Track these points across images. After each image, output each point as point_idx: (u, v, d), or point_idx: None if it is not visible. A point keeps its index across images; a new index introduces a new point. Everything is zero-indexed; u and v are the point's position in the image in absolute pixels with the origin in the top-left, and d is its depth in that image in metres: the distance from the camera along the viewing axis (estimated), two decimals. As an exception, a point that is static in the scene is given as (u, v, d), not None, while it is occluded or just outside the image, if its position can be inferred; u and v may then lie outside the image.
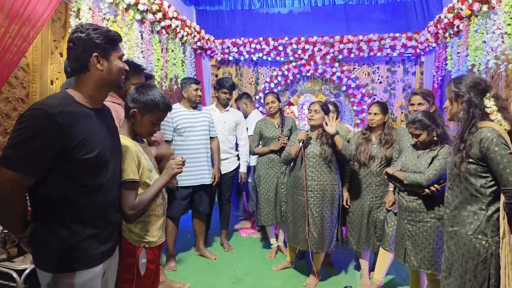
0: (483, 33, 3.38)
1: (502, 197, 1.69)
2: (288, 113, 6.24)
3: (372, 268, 3.25)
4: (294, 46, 6.13)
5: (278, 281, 3.27)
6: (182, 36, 4.52)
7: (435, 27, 4.45)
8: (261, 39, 6.20)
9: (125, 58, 3.24)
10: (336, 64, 6.12)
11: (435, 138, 2.52)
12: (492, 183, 1.73)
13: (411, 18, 5.71)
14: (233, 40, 6.28)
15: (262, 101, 6.20)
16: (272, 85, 6.35)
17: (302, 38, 6.11)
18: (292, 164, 3.34)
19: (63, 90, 1.44)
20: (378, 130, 3.17)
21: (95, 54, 1.38)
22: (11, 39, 2.13)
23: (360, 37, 5.90)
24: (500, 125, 1.75)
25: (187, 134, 3.43)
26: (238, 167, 4.02)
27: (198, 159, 3.46)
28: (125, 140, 1.71)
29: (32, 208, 1.36)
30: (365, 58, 6.06)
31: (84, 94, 1.41)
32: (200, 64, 5.45)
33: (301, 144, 3.10)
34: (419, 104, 2.89)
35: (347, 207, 3.21)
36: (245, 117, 4.27)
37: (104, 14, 3.04)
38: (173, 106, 3.38)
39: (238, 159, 4.03)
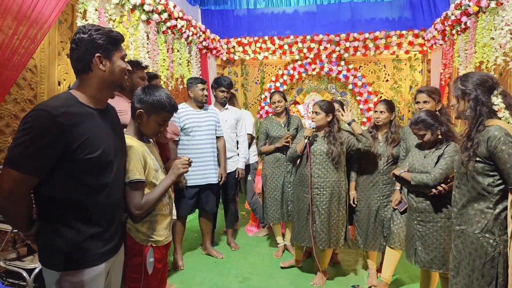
0: (491, 30, 3.34)
1: (510, 196, 1.67)
2: (294, 112, 6.22)
3: (379, 268, 3.23)
4: (300, 44, 6.11)
5: (285, 280, 3.27)
6: (188, 36, 4.53)
7: (442, 24, 4.41)
8: (266, 38, 6.20)
9: (131, 58, 3.27)
10: (342, 63, 6.09)
11: (440, 137, 2.50)
12: (500, 181, 1.72)
13: (417, 15, 5.67)
14: (238, 39, 6.29)
15: (267, 100, 6.21)
16: (277, 84, 6.35)
17: (308, 37, 6.09)
18: (298, 162, 3.33)
19: (67, 91, 1.46)
20: (384, 129, 3.15)
21: (97, 54, 1.39)
22: (19, 41, 2.16)
23: (366, 35, 5.87)
24: (508, 123, 1.73)
25: (194, 133, 3.44)
26: None
27: (205, 158, 3.47)
28: (132, 140, 1.72)
29: (36, 207, 1.38)
30: (371, 56, 6.02)
31: (87, 95, 1.42)
32: (205, 64, 5.47)
33: (306, 140, 3.09)
34: (425, 102, 2.86)
35: (354, 206, 3.20)
36: None
37: (110, 15, 3.07)
38: (180, 105, 3.40)
39: None
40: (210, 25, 5.89)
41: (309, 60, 6.18)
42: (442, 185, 2.41)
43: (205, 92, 3.51)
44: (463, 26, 3.89)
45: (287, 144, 3.51)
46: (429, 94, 2.86)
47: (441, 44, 4.81)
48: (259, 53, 6.29)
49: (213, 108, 3.79)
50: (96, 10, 2.87)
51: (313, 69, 6.19)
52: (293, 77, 6.33)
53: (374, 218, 3.08)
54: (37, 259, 2.40)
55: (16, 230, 2.27)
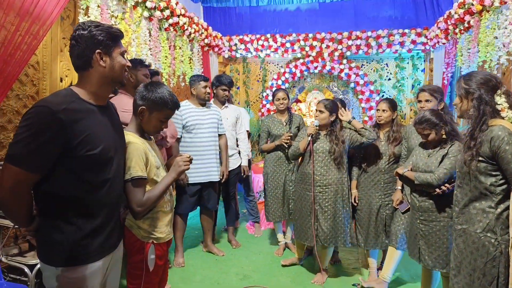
0: (494, 29, 3.33)
1: (512, 196, 1.67)
2: (295, 110, 6.22)
3: (380, 266, 3.23)
4: (302, 42, 6.10)
5: (286, 278, 3.28)
6: (190, 33, 4.53)
7: (445, 23, 4.40)
8: (268, 36, 6.19)
9: (133, 55, 3.27)
10: (344, 61, 6.08)
11: (444, 136, 2.49)
12: (502, 181, 1.71)
13: (420, 13, 5.64)
14: (241, 37, 6.28)
15: (269, 98, 6.20)
16: (279, 82, 6.34)
17: (310, 35, 6.08)
18: (299, 160, 3.33)
19: (68, 87, 1.46)
20: (386, 127, 3.15)
21: (98, 51, 1.39)
22: (21, 37, 2.16)
23: (369, 33, 5.85)
24: (511, 122, 1.72)
25: (196, 131, 3.44)
26: None
27: (207, 156, 3.47)
28: (133, 137, 1.72)
29: (37, 203, 1.38)
30: (374, 55, 6.01)
31: (88, 91, 1.43)
32: (207, 61, 5.46)
33: (309, 138, 3.09)
34: (427, 100, 2.85)
35: (355, 204, 3.20)
36: None
37: (113, 12, 3.06)
38: (182, 103, 3.40)
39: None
40: (212, 22, 5.88)
41: (311, 58, 6.16)
42: (446, 184, 2.40)
43: (208, 90, 3.51)
44: (466, 25, 3.87)
45: (287, 142, 3.50)
46: (431, 93, 2.86)
47: (444, 43, 4.79)
48: (261, 51, 6.28)
49: (215, 106, 3.79)
50: (98, 6, 2.87)
51: (315, 67, 6.18)
52: (295, 75, 6.32)
53: (375, 217, 3.08)
54: (39, 255, 2.42)
55: (17, 226, 2.28)
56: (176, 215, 3.46)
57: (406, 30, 5.71)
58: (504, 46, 3.12)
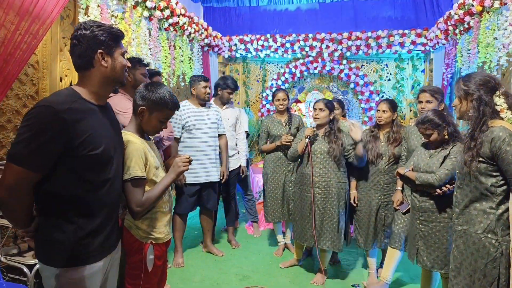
0: (494, 30, 3.33)
1: (512, 197, 1.67)
2: (295, 111, 6.22)
3: (380, 267, 3.23)
4: (302, 43, 6.10)
5: (285, 279, 3.28)
6: (190, 33, 4.53)
7: (445, 23, 4.40)
8: (268, 36, 6.19)
9: (133, 55, 3.27)
10: (344, 61, 6.08)
11: (446, 137, 2.49)
12: (503, 182, 1.71)
13: (420, 14, 5.65)
14: (241, 37, 6.28)
15: (269, 98, 6.20)
16: (279, 82, 6.34)
17: (310, 35, 6.08)
18: (298, 161, 3.33)
19: (69, 87, 1.46)
20: (386, 128, 3.15)
21: (100, 50, 1.40)
22: (21, 36, 2.16)
23: (369, 34, 5.85)
24: (511, 123, 1.72)
25: (196, 131, 3.44)
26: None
27: (207, 156, 3.47)
28: (133, 137, 1.72)
29: (37, 203, 1.38)
30: (374, 55, 6.01)
31: (89, 91, 1.43)
32: (207, 61, 5.46)
33: (307, 140, 3.09)
34: (427, 101, 2.85)
35: (355, 205, 3.20)
36: None
37: (113, 11, 3.06)
38: (182, 103, 3.39)
39: None
40: (212, 22, 5.88)
41: (311, 58, 6.17)
42: (447, 185, 2.40)
43: (208, 90, 3.50)
44: (466, 25, 3.87)
45: (287, 143, 3.48)
46: (431, 94, 2.86)
47: (443, 44, 4.79)
48: (261, 51, 6.28)
49: (215, 106, 3.79)
50: (98, 6, 2.86)
51: (315, 68, 6.18)
52: (295, 75, 6.32)
53: (375, 218, 3.08)
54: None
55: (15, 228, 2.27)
56: (176, 215, 3.46)
57: (406, 31, 5.72)
58: (504, 47, 3.12)
